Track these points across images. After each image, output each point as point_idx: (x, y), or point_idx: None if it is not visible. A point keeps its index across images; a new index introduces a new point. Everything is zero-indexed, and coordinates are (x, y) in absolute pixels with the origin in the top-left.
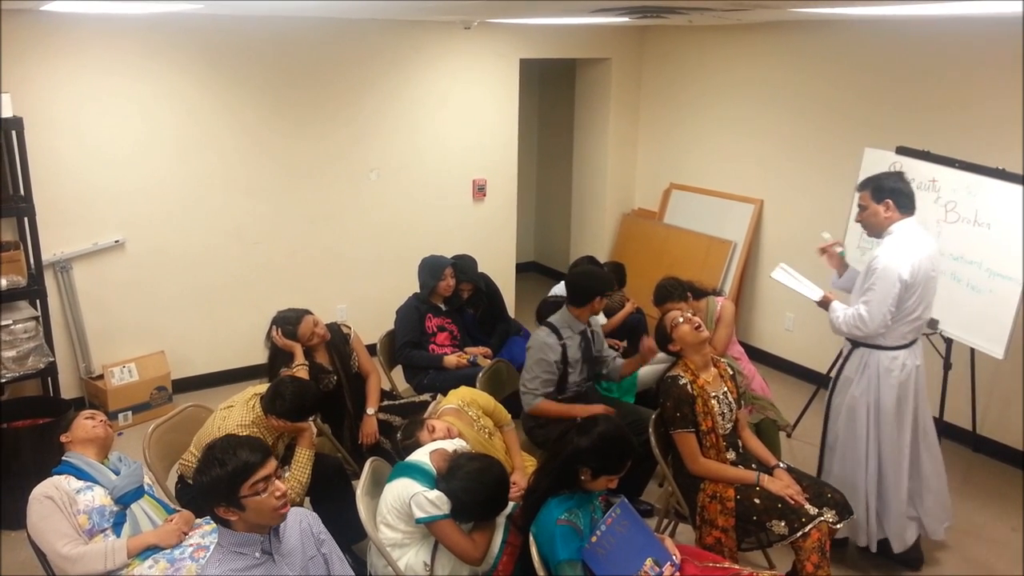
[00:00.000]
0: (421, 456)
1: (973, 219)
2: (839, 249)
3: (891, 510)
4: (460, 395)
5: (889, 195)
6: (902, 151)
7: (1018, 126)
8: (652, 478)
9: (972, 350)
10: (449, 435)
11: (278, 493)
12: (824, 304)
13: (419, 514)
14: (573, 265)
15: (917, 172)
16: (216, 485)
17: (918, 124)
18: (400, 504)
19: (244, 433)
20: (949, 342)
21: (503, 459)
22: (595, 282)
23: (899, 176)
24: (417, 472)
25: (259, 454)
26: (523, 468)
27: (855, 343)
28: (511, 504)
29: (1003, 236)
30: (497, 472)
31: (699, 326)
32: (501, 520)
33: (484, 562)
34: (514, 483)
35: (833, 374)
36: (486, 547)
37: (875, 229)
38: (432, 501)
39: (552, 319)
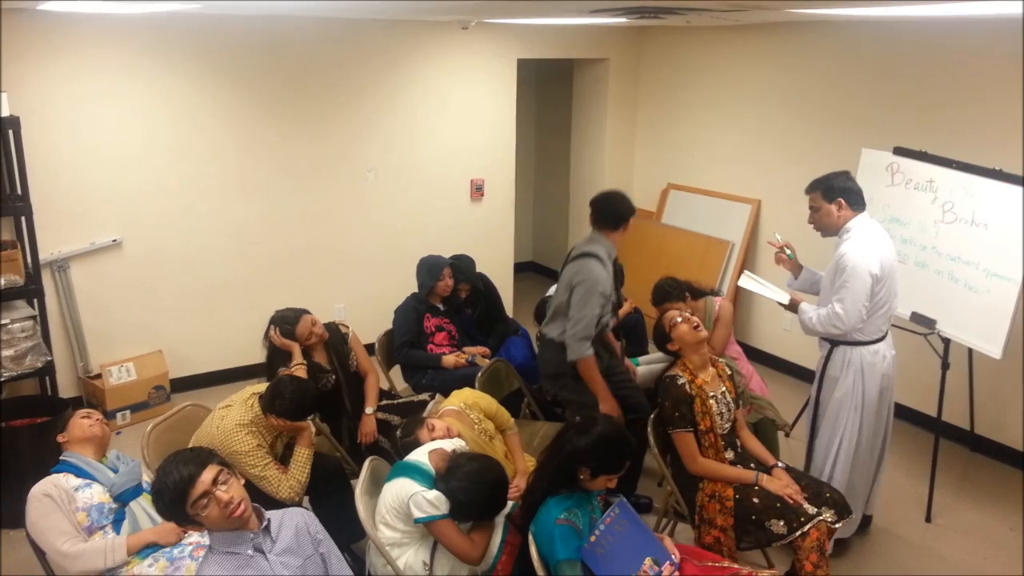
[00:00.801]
0: (420, 456)
1: (971, 219)
2: (788, 252)
3: (858, 496)
4: (462, 397)
5: (840, 194)
6: (899, 151)
7: (1015, 126)
8: (650, 477)
9: (970, 350)
10: (449, 435)
11: (223, 502)
12: (792, 307)
13: (417, 514)
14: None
15: (915, 172)
16: (169, 510)
17: (915, 124)
18: (399, 504)
19: (243, 433)
20: (947, 342)
21: (503, 463)
22: (625, 204)
23: (846, 175)
24: (416, 472)
25: (189, 467)
26: (526, 472)
27: (834, 342)
28: (510, 503)
29: (1001, 236)
30: (496, 472)
31: (697, 326)
32: (500, 520)
33: (483, 561)
34: (516, 486)
35: (817, 373)
36: (485, 547)
37: (829, 229)
38: (431, 501)
39: (591, 248)
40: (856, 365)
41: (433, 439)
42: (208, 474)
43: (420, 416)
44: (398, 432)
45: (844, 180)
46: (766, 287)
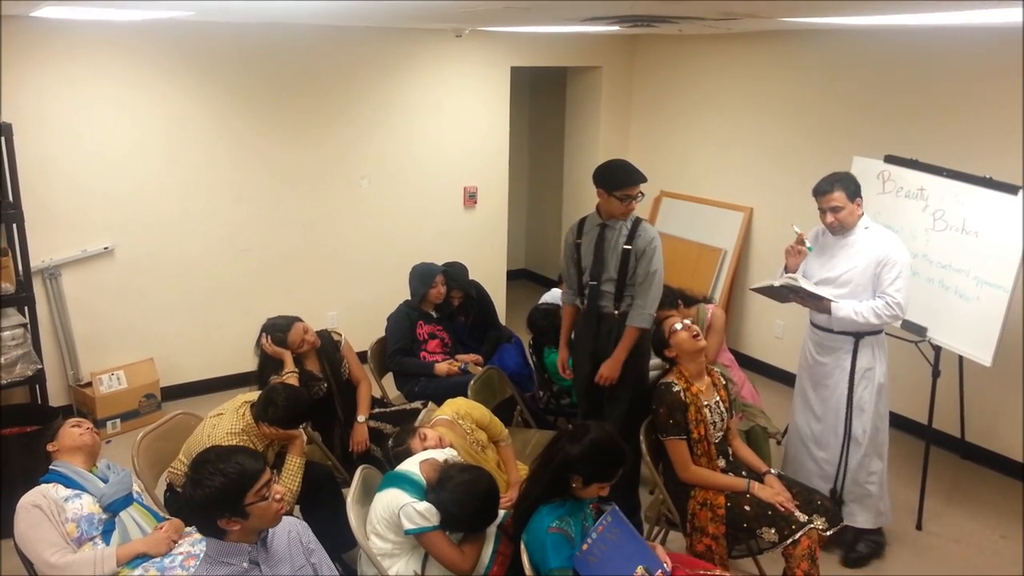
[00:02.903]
0: (411, 466)
1: (961, 227)
2: (808, 246)
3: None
4: (455, 406)
5: (858, 192)
6: (890, 159)
7: (1005, 134)
8: (641, 485)
9: (960, 358)
10: (441, 445)
11: (278, 496)
12: (824, 307)
13: (408, 525)
14: None
15: (905, 180)
16: (220, 495)
17: (906, 133)
18: (389, 515)
19: (234, 441)
20: (938, 350)
21: (495, 473)
22: (611, 170)
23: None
24: (406, 483)
25: (260, 460)
26: (519, 483)
27: (860, 334)
28: (502, 513)
29: (991, 244)
30: (486, 484)
31: (697, 335)
32: (492, 530)
33: (474, 573)
34: (509, 498)
35: (849, 370)
36: (476, 558)
37: (848, 227)
38: (421, 513)
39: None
40: (884, 350)
41: (425, 448)
42: (268, 473)
43: (412, 425)
44: (390, 441)
45: (855, 178)
46: (808, 284)
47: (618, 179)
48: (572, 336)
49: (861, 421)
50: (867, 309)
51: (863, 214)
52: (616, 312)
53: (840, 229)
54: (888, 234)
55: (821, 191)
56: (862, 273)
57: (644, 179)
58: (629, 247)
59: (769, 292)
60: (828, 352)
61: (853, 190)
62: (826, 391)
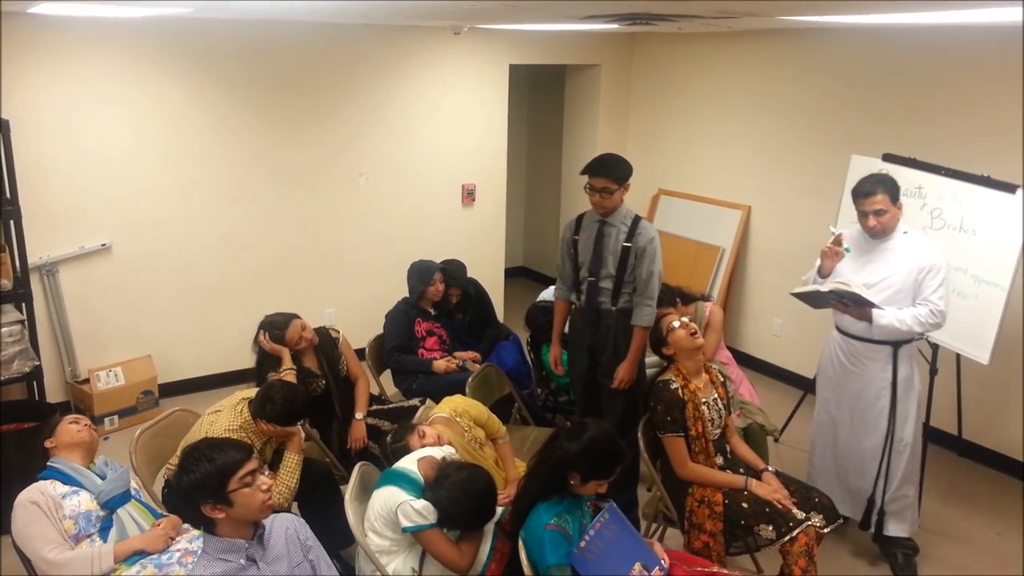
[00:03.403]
0: (409, 464)
1: (959, 226)
2: (846, 247)
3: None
4: (453, 404)
5: (898, 194)
6: (888, 158)
7: (1004, 133)
8: (639, 482)
9: (958, 356)
10: (439, 442)
11: (264, 487)
12: (865, 315)
13: (405, 523)
14: None
15: (903, 179)
16: (204, 481)
17: (904, 131)
18: (387, 512)
19: (232, 438)
20: (935, 348)
21: (492, 470)
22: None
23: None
24: (404, 480)
25: (245, 451)
26: (517, 480)
27: (898, 342)
28: (500, 510)
29: (989, 243)
30: (484, 482)
31: (695, 332)
32: (490, 527)
33: (471, 570)
34: (507, 494)
35: (889, 380)
36: (473, 556)
37: (888, 232)
38: (418, 511)
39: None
40: (917, 356)
41: (424, 446)
42: (256, 461)
43: (410, 423)
44: (388, 437)
45: (895, 180)
46: (862, 289)
47: (586, 168)
48: (566, 331)
49: (905, 432)
50: (910, 317)
51: (901, 217)
52: (614, 308)
53: (881, 233)
54: (928, 239)
55: (863, 193)
56: (904, 279)
57: (609, 173)
58: (629, 245)
59: (809, 297)
60: (863, 362)
61: (895, 192)
62: (861, 402)
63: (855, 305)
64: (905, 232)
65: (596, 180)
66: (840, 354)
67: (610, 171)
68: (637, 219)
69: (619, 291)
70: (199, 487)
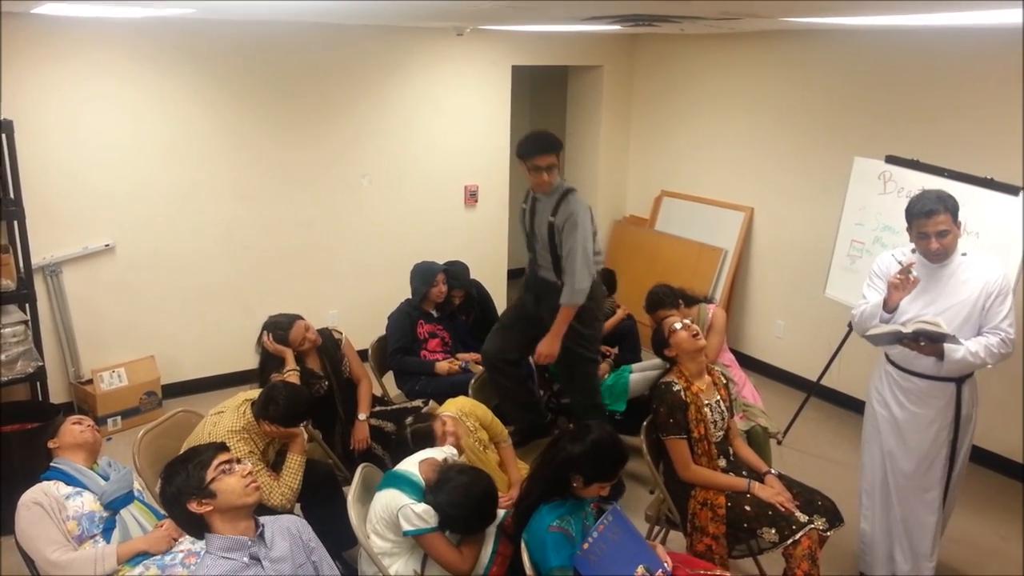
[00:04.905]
0: (410, 466)
1: (963, 228)
2: (913, 273)
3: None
4: (459, 404)
5: (958, 214)
6: (891, 160)
7: (1007, 135)
8: (642, 484)
9: None
10: (456, 436)
11: (243, 472)
12: (936, 351)
13: (406, 526)
14: None
15: (906, 181)
16: (184, 481)
17: (908, 133)
18: (388, 515)
19: (235, 439)
20: None
21: (495, 473)
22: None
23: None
24: (405, 483)
25: (217, 447)
26: (521, 483)
27: (962, 378)
28: (502, 513)
29: (992, 245)
30: (485, 485)
31: (697, 334)
32: (491, 530)
33: (473, 573)
34: (510, 497)
35: (952, 419)
36: (474, 559)
37: (949, 255)
38: (419, 514)
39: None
40: (977, 393)
41: (444, 434)
42: (229, 455)
43: (431, 411)
44: (409, 418)
45: (954, 197)
46: (947, 328)
47: (523, 149)
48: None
49: (958, 469)
50: (982, 349)
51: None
52: (559, 281)
53: (944, 256)
54: (991, 257)
55: (925, 212)
56: (970, 307)
57: (549, 149)
58: (552, 220)
59: (882, 339)
60: (925, 402)
61: (956, 210)
62: (916, 438)
63: (929, 343)
64: (964, 254)
65: (544, 159)
66: (896, 392)
67: (555, 147)
68: (565, 193)
69: (559, 265)
70: (181, 488)
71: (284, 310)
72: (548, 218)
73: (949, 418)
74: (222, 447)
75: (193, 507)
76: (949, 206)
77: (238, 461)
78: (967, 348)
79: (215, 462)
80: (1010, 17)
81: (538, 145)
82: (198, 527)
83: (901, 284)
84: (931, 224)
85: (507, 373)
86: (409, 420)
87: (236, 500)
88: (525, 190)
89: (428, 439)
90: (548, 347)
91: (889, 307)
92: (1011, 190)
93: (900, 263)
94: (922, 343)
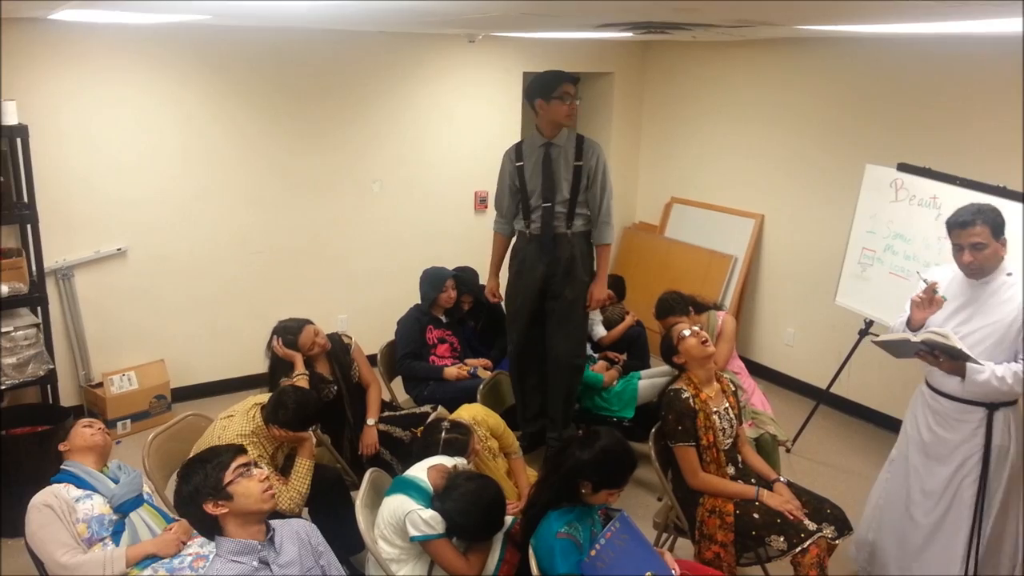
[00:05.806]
0: (419, 472)
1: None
2: (943, 294)
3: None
4: (472, 412)
5: (1003, 228)
6: (903, 168)
7: (1020, 144)
8: (650, 491)
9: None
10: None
11: (261, 477)
12: (958, 369)
13: (413, 533)
14: None
15: (918, 189)
16: (202, 481)
17: (919, 141)
18: (396, 521)
19: (244, 443)
20: None
21: (503, 481)
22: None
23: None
24: (413, 489)
25: (236, 449)
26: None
27: (994, 405)
28: (509, 520)
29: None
30: (492, 493)
31: (706, 341)
32: (498, 537)
33: None
34: (517, 506)
35: (979, 452)
36: (481, 567)
37: (988, 271)
38: (426, 521)
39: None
40: (1020, 424)
41: (474, 450)
42: (248, 457)
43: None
44: (444, 423)
45: (1000, 212)
46: (960, 343)
47: (549, 82)
48: (512, 263)
49: (991, 505)
50: (1010, 374)
51: (1005, 256)
52: (569, 232)
53: (980, 272)
54: None
55: (960, 223)
56: (1006, 328)
57: (571, 77)
58: (580, 164)
59: (892, 346)
60: (951, 426)
61: (998, 226)
62: (940, 466)
63: (948, 358)
64: (1009, 274)
65: (571, 85)
66: (928, 414)
67: (574, 76)
68: (581, 137)
69: (573, 213)
70: (199, 488)
71: (294, 315)
72: (573, 163)
73: (976, 446)
74: (241, 449)
75: (209, 508)
76: (988, 219)
77: (255, 465)
78: (992, 371)
79: (234, 464)
80: (1012, 26)
81: (561, 74)
82: (211, 528)
83: (923, 302)
84: (965, 235)
85: (582, 368)
86: (446, 425)
87: (252, 505)
88: (513, 147)
89: (457, 449)
90: (601, 291)
91: (912, 326)
92: (1021, 198)
93: (925, 281)
94: (940, 357)
